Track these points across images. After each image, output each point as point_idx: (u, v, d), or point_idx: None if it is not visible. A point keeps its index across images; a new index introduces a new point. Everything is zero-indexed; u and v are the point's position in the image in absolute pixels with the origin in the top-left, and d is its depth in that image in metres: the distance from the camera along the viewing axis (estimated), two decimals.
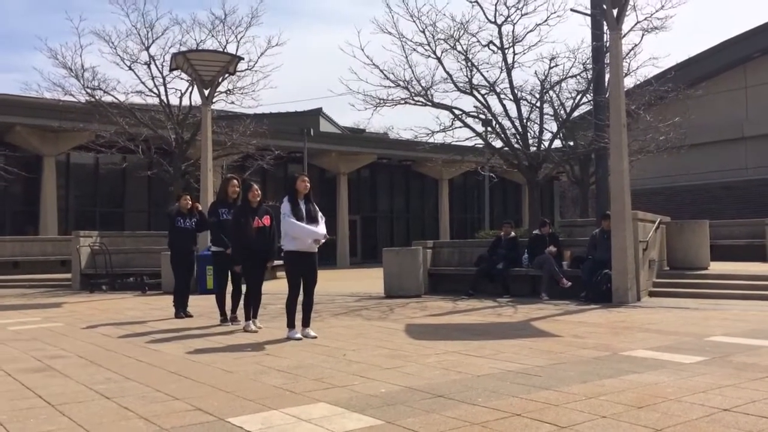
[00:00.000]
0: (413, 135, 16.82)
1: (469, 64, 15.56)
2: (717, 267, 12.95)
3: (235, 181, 9.21)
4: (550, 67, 16.03)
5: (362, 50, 15.16)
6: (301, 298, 7.36)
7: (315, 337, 7.23)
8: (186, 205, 10.04)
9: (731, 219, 20.23)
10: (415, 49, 15.41)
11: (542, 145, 16.61)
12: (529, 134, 16.26)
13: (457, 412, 4.05)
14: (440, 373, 5.22)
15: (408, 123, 47.19)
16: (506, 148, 16.41)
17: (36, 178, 23.47)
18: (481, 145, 17.57)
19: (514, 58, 15.40)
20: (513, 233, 13.35)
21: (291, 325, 7.32)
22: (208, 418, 4.00)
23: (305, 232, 7.19)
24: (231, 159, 22.69)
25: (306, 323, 7.41)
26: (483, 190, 31.92)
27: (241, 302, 8.39)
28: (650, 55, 23.44)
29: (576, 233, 13.83)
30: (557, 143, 18.50)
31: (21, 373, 5.50)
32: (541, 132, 16.75)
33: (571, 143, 19.64)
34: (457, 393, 4.53)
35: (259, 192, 8.07)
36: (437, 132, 16.00)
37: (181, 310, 9.71)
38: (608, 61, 13.86)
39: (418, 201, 35.24)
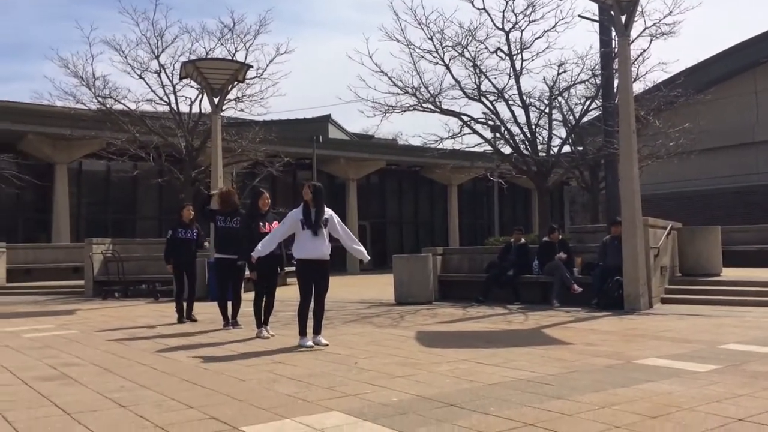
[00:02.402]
0: (422, 141, 16.90)
1: (478, 70, 15.59)
2: (729, 273, 12.86)
3: (215, 191, 9.98)
4: (559, 73, 16.04)
5: (370, 57, 15.23)
6: (312, 305, 7.40)
7: (326, 345, 7.25)
8: (188, 215, 10.22)
9: (743, 224, 20.08)
10: (423, 56, 15.46)
11: (551, 151, 16.59)
12: (538, 140, 16.25)
13: (470, 421, 4.05)
14: (452, 382, 5.22)
15: (417, 129, 47.50)
16: (515, 154, 16.41)
17: (48, 185, 23.66)
18: (490, 152, 17.58)
19: (522, 64, 15.43)
20: (523, 240, 13.34)
21: (302, 332, 7.34)
22: (223, 427, 4.02)
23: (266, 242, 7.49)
24: (240, 166, 22.79)
25: (317, 331, 7.43)
26: (492, 195, 31.88)
27: (250, 309, 8.44)
28: (659, 60, 23.52)
29: (586, 239, 13.78)
30: (566, 149, 18.47)
31: (36, 381, 5.54)
32: (550, 138, 16.75)
33: (581, 148, 19.60)
34: (469, 402, 4.53)
35: (269, 200, 8.28)
36: (446, 138, 16.06)
37: (182, 316, 10.09)
38: (617, 67, 13.88)
39: (427, 207, 35.22)
